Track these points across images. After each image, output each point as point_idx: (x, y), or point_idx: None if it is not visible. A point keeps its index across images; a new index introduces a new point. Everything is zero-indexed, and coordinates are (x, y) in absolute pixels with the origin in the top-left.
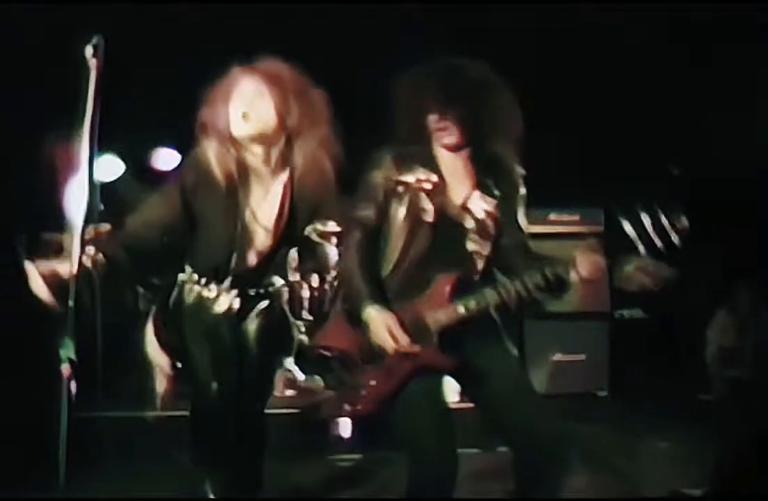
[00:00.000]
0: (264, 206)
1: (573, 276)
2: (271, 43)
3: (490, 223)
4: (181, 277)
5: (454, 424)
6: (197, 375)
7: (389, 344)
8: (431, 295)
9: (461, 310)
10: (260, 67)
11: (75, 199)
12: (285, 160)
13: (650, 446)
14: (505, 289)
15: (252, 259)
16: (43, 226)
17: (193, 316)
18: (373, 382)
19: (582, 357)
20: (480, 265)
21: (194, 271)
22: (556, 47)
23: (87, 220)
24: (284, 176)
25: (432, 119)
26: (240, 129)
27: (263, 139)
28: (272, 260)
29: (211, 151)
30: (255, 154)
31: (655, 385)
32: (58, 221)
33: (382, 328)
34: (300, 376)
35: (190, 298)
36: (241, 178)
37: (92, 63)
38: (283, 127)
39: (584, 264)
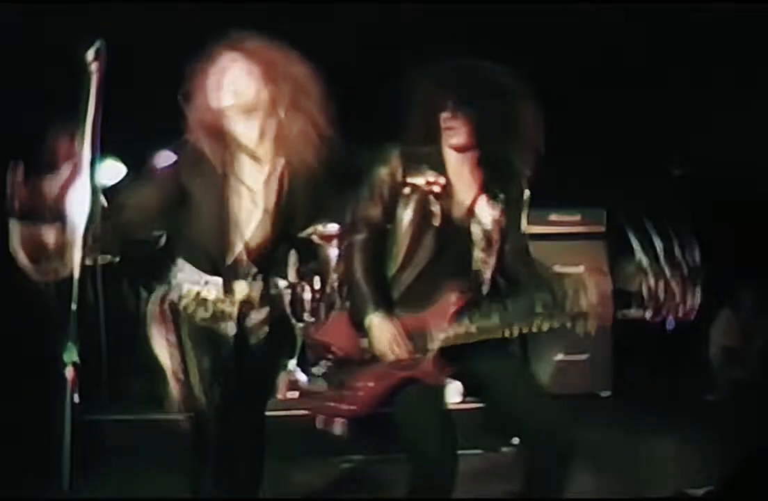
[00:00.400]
0: (261, 190)
1: (582, 303)
2: (277, 43)
3: (496, 229)
4: (177, 276)
5: (454, 425)
6: (197, 376)
7: (389, 353)
8: (438, 309)
9: (465, 329)
10: (243, 45)
11: (77, 203)
12: (276, 139)
13: (653, 446)
14: (512, 317)
15: (251, 248)
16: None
17: (191, 317)
18: (370, 384)
19: (584, 357)
20: (486, 273)
21: (190, 264)
22: (556, 47)
23: (89, 223)
24: (278, 156)
25: (443, 117)
26: (227, 106)
27: (251, 114)
28: (272, 252)
29: (202, 134)
30: (245, 134)
31: (659, 386)
32: (60, 224)
33: (384, 337)
34: (302, 378)
35: (188, 297)
36: (235, 162)
37: (94, 67)
38: (269, 103)
39: (594, 293)
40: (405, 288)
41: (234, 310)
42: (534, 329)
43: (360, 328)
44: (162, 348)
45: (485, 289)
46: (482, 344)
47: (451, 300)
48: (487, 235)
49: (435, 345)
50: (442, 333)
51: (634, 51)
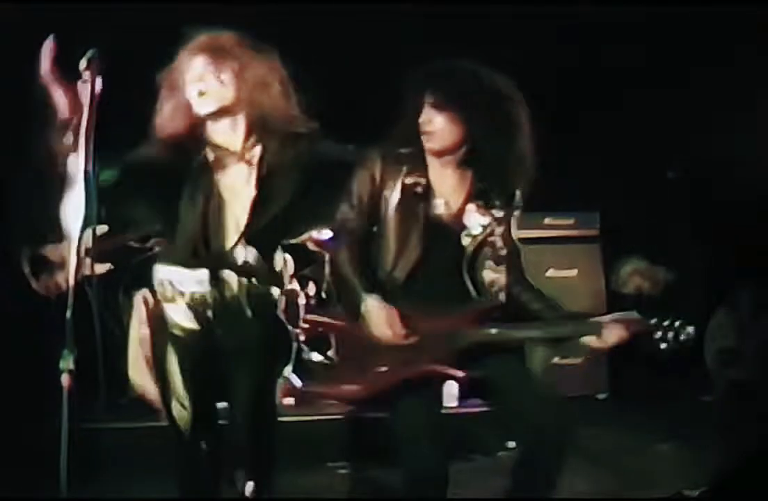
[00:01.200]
0: (250, 188)
1: (595, 342)
2: (276, 46)
3: (490, 235)
4: (158, 275)
5: (449, 429)
6: (181, 383)
7: (387, 335)
8: (462, 313)
9: (487, 333)
10: (203, 43)
11: (73, 209)
12: (253, 132)
13: (651, 448)
14: (531, 336)
15: (231, 239)
16: (43, 238)
17: (171, 324)
18: (384, 369)
19: (580, 359)
20: (500, 281)
21: (173, 262)
22: (550, 48)
23: (84, 230)
24: (255, 150)
25: (420, 121)
26: (201, 107)
27: (225, 112)
28: (263, 251)
29: (182, 138)
30: (225, 136)
31: (655, 387)
32: (56, 232)
33: (381, 319)
34: (298, 383)
35: (166, 290)
36: (218, 163)
37: (86, 76)
38: (240, 96)
39: (612, 336)
40: (399, 288)
41: (211, 298)
42: (550, 336)
43: (356, 313)
44: (143, 352)
45: (502, 296)
46: (491, 346)
47: (476, 306)
48: (485, 243)
49: (458, 344)
50: (465, 335)
51: (630, 52)
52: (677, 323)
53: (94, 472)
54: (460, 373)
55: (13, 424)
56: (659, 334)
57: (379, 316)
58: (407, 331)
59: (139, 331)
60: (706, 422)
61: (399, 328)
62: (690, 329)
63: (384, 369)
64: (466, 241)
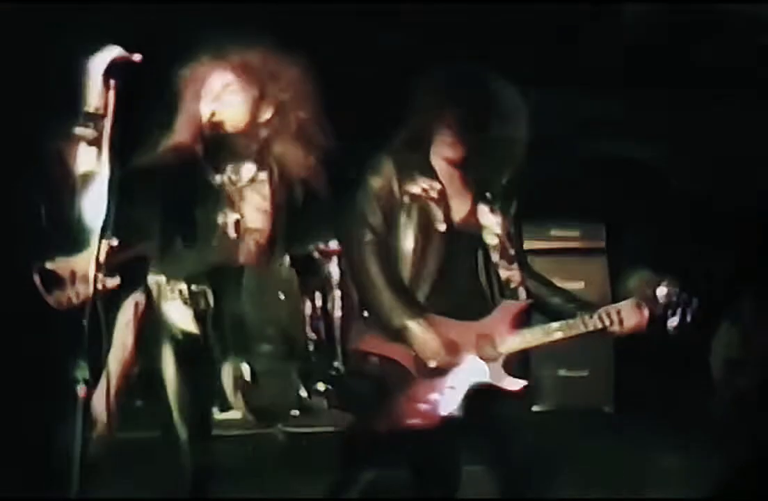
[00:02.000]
0: (250, 198)
1: (616, 328)
2: (280, 45)
3: (504, 235)
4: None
5: (456, 439)
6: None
7: (440, 358)
8: (496, 319)
9: (529, 335)
10: (229, 56)
11: (88, 219)
12: (265, 156)
13: (657, 461)
14: (567, 327)
15: (240, 251)
16: (56, 250)
17: (170, 325)
18: (435, 396)
19: (586, 372)
20: (515, 279)
21: (168, 277)
22: (554, 54)
23: (101, 241)
24: (266, 172)
25: (440, 129)
26: (212, 127)
27: (237, 135)
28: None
29: (197, 148)
30: (232, 152)
31: (662, 399)
32: (68, 243)
33: (431, 342)
34: (303, 394)
35: (160, 287)
36: (230, 173)
37: (111, 82)
38: (256, 121)
39: (630, 320)
40: (426, 296)
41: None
42: (582, 330)
43: (396, 338)
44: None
45: (522, 294)
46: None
47: (509, 307)
48: (499, 241)
49: (504, 350)
50: (508, 339)
51: (632, 59)
52: (684, 296)
53: (107, 481)
54: (515, 387)
55: (23, 434)
56: (670, 311)
57: (427, 339)
58: (453, 355)
59: (123, 333)
60: (712, 433)
61: (451, 347)
62: (695, 301)
63: (437, 396)
64: (492, 240)
